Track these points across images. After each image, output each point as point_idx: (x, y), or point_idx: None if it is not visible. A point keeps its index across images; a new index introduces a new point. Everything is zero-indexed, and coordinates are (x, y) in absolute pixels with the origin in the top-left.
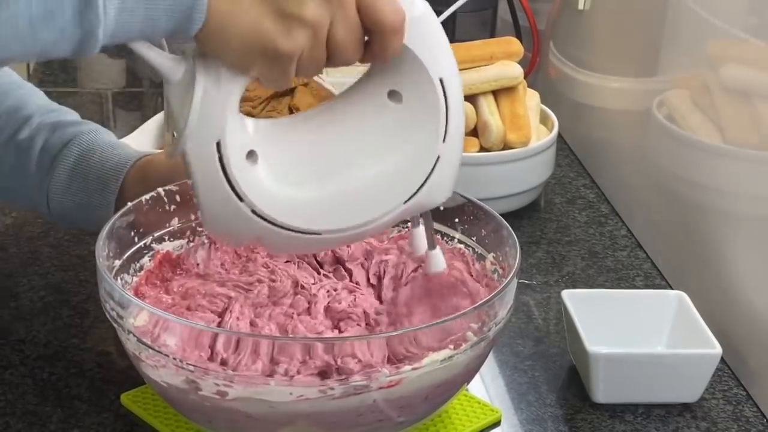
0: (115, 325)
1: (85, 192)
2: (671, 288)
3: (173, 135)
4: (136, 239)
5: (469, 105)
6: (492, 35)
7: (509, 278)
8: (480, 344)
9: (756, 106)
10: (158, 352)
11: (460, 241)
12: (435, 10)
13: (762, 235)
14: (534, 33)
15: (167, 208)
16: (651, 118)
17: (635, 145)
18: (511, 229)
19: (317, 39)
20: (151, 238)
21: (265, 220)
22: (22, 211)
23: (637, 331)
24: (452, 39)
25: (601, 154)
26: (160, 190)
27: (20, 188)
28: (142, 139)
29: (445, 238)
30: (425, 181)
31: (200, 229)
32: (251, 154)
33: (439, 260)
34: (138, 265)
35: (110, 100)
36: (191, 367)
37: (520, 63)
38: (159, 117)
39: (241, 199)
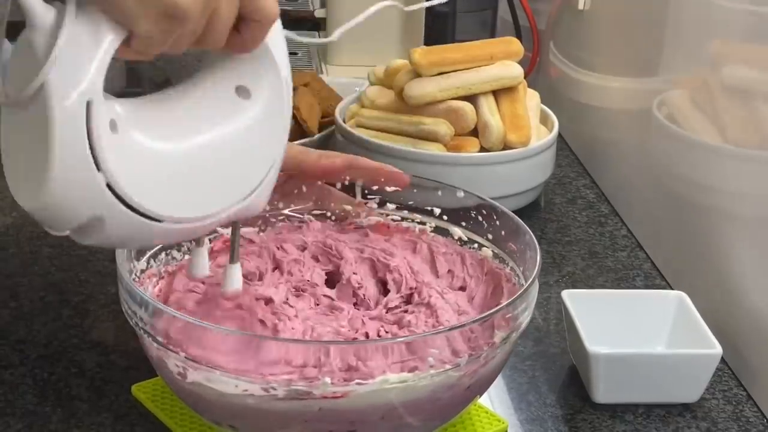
0: (135, 328)
1: None
2: (671, 288)
3: (15, 84)
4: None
5: (469, 105)
6: (492, 35)
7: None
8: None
9: (757, 106)
10: (173, 351)
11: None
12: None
13: (762, 235)
14: (534, 33)
15: None
16: (651, 118)
17: (635, 145)
18: (533, 236)
19: (206, 8)
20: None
21: (116, 196)
22: (23, 211)
23: (637, 331)
24: (452, 39)
25: (601, 154)
26: None
27: None
28: None
29: (473, 246)
30: (261, 181)
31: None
32: (113, 124)
33: (237, 277)
34: (161, 266)
35: None
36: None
37: (520, 63)
38: None
39: (99, 168)
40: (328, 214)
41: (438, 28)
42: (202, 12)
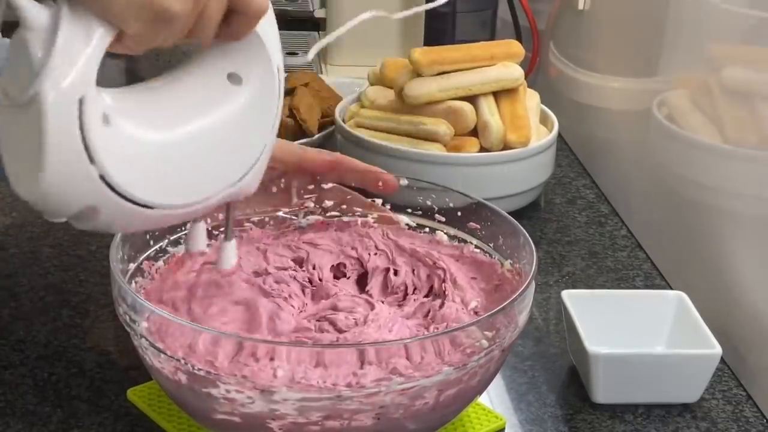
0: (128, 329)
1: None
2: (671, 288)
3: (11, 82)
4: (151, 242)
5: (469, 105)
6: (492, 35)
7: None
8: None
9: (756, 106)
10: (169, 356)
11: (477, 247)
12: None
13: (762, 235)
14: (534, 33)
15: None
16: (651, 118)
17: (635, 145)
18: (528, 236)
19: (197, 6)
20: (166, 240)
21: (109, 186)
22: (22, 211)
23: (637, 331)
24: (452, 39)
25: (601, 154)
26: None
27: None
28: None
29: (461, 243)
30: (252, 167)
31: (216, 232)
32: (105, 117)
33: (233, 254)
34: (153, 268)
35: None
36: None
37: (520, 63)
38: None
39: (92, 161)
40: (267, 219)
41: (438, 29)
42: (192, 11)
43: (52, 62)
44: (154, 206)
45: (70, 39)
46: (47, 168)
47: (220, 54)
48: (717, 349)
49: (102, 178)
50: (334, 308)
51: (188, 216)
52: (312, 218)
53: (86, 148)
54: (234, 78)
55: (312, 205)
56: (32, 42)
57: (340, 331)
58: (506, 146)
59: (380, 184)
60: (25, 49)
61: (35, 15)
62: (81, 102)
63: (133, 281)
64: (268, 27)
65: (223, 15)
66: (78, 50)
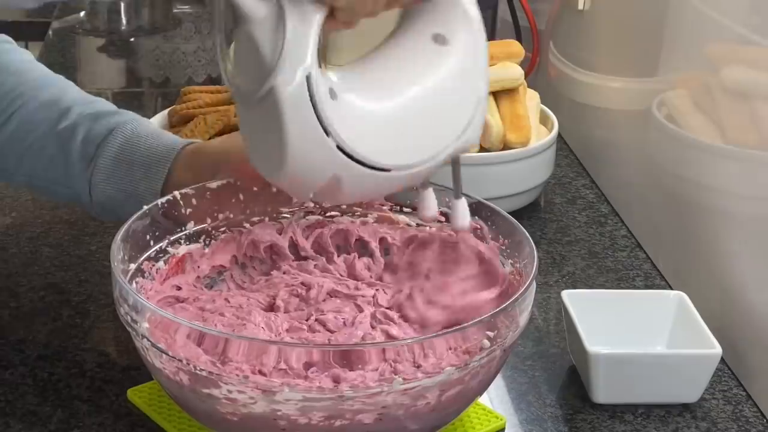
0: (129, 330)
1: (131, 179)
2: (671, 288)
3: (243, 77)
4: (151, 242)
5: None
6: (492, 35)
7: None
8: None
9: (756, 106)
10: (171, 357)
11: None
12: None
13: (762, 235)
14: (534, 33)
15: (183, 211)
16: (651, 118)
17: (635, 145)
18: (529, 236)
19: None
20: (166, 241)
21: (347, 155)
22: (22, 211)
23: (637, 331)
24: None
25: (601, 154)
26: (176, 193)
27: (61, 178)
28: None
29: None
30: (471, 119)
31: (215, 232)
32: (331, 92)
33: (465, 212)
34: (154, 268)
35: (110, 100)
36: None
37: (520, 64)
38: (160, 116)
39: (327, 133)
40: (267, 219)
41: None
42: None
43: (284, 54)
44: (390, 168)
45: (294, 27)
46: (289, 150)
47: (422, 17)
48: (717, 349)
49: (339, 148)
50: (321, 310)
51: (421, 175)
52: (312, 218)
53: (321, 122)
54: (439, 38)
55: (312, 205)
56: (260, 36)
57: (330, 331)
58: (506, 146)
59: None
60: (252, 43)
61: (256, 8)
62: (309, 78)
63: (133, 282)
64: None
65: None
66: (303, 35)
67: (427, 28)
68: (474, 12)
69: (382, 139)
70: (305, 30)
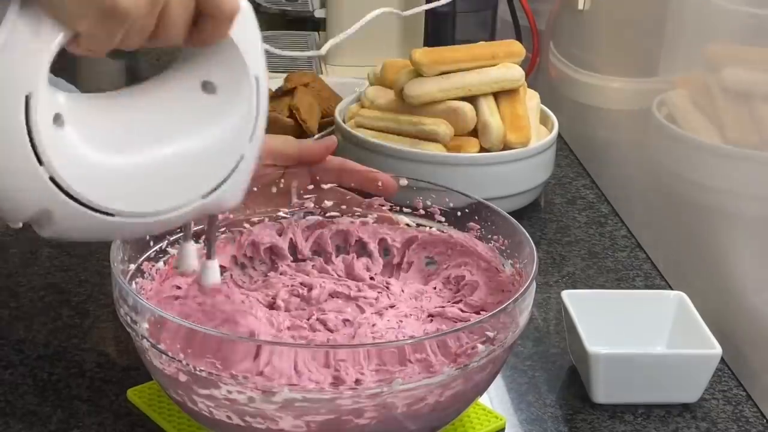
0: (129, 330)
1: None
2: (671, 288)
3: None
4: (151, 243)
5: (469, 105)
6: (492, 35)
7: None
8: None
9: (756, 106)
10: (171, 357)
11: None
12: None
13: (762, 235)
14: (534, 33)
15: None
16: (651, 118)
17: (635, 145)
18: (529, 236)
19: (153, 6)
20: (166, 241)
21: (61, 190)
22: None
23: (637, 331)
24: (452, 39)
25: (601, 154)
26: None
27: None
28: None
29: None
30: (226, 178)
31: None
32: (57, 118)
33: (215, 272)
34: (154, 269)
35: None
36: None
37: (520, 64)
38: None
39: (41, 162)
40: (266, 219)
41: (438, 29)
42: (148, 10)
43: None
44: (113, 213)
45: (17, 37)
46: None
47: (194, 61)
48: (717, 349)
49: (53, 180)
50: (322, 310)
51: (159, 227)
52: (312, 218)
53: (33, 147)
54: (208, 86)
55: (312, 205)
56: None
57: (330, 330)
58: (506, 146)
59: (380, 184)
60: None
61: None
62: (28, 99)
63: (133, 282)
64: (245, 31)
65: (193, 18)
66: (24, 46)
67: (200, 73)
68: (256, 66)
69: (111, 179)
70: (28, 44)
